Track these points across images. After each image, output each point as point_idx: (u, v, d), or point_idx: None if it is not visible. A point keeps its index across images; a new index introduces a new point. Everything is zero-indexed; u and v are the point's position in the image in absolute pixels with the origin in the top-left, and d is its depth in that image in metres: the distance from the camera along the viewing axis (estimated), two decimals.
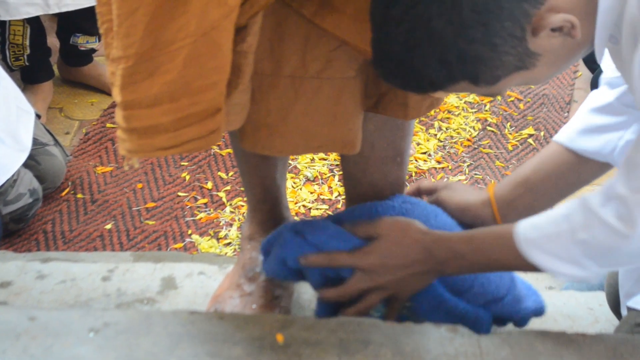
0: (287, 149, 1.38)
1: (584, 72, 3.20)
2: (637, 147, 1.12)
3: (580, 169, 1.45)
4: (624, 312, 1.48)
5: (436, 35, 1.05)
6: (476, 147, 2.86)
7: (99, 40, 2.94)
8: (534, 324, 1.48)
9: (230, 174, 2.67)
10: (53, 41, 2.98)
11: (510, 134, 2.92)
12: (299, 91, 1.28)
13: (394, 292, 1.35)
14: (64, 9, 2.68)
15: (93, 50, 2.98)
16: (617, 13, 1.08)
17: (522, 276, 1.50)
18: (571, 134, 1.49)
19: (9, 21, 2.72)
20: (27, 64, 2.83)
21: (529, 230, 1.24)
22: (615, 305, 1.56)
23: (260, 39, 1.18)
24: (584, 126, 1.47)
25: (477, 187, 2.40)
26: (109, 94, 3.00)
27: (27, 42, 2.78)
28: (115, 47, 1.09)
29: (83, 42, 2.91)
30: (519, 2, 1.04)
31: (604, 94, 1.47)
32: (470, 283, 1.38)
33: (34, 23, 2.78)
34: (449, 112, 2.98)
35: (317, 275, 1.36)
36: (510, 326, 1.45)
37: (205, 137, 1.13)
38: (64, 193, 2.58)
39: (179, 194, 2.60)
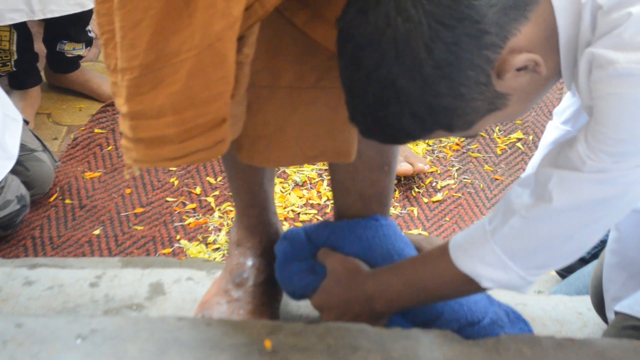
0: (285, 161, 1.38)
1: None
2: (575, 140, 1.12)
3: None
4: (609, 315, 1.49)
5: (403, 94, 1.05)
6: (465, 151, 2.86)
7: (86, 47, 2.94)
8: None
9: (219, 179, 2.67)
10: (40, 47, 2.97)
11: (499, 138, 2.93)
12: (297, 101, 1.28)
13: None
14: (49, 15, 2.67)
15: (80, 57, 2.96)
16: (575, 40, 1.08)
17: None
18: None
19: None
20: (14, 69, 2.82)
21: (458, 238, 1.26)
22: (599, 306, 1.57)
23: (256, 50, 1.17)
24: None
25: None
26: (97, 99, 3.00)
27: (14, 48, 2.77)
28: (119, 58, 1.08)
29: (70, 49, 2.90)
30: (478, 50, 1.03)
31: (559, 126, 1.49)
32: (439, 309, 1.40)
33: (21, 28, 2.76)
34: None
35: None
36: None
37: (212, 148, 1.12)
38: (52, 199, 2.57)
39: (168, 199, 2.59)
